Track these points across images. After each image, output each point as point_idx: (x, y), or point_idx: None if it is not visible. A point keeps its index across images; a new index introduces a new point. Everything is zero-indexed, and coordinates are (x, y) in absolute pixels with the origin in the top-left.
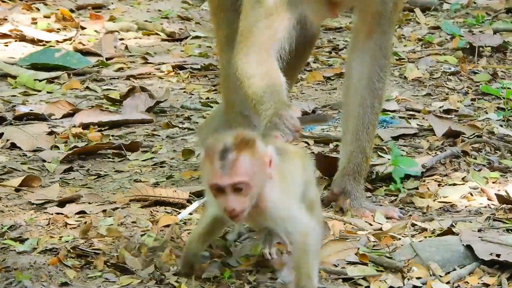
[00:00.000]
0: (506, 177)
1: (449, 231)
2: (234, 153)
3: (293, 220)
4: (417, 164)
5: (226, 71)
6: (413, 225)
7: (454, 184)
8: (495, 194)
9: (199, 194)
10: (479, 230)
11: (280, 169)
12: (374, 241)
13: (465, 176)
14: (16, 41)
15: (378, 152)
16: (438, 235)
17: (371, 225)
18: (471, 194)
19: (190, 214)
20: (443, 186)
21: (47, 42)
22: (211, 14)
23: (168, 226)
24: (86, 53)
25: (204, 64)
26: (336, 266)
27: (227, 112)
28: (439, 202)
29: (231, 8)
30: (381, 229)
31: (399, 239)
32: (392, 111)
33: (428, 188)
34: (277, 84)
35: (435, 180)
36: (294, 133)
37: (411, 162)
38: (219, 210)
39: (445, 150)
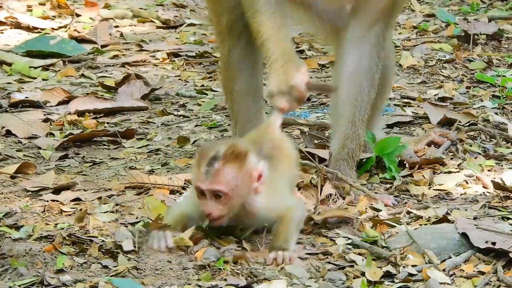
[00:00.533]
0: (501, 165)
1: (444, 219)
2: (221, 163)
3: (280, 210)
4: (400, 138)
5: (227, 60)
6: (408, 212)
7: (450, 172)
8: (491, 181)
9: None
10: (475, 218)
11: (269, 178)
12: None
13: (460, 164)
14: (11, 28)
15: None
16: (434, 223)
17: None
18: (467, 182)
19: None
20: (438, 174)
21: (42, 29)
22: (209, 1)
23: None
24: (81, 40)
25: (199, 51)
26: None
27: (226, 101)
28: (434, 190)
29: None
30: (377, 216)
31: (395, 226)
32: (387, 99)
33: (423, 175)
34: (288, 48)
35: (430, 168)
36: (299, 102)
37: (394, 139)
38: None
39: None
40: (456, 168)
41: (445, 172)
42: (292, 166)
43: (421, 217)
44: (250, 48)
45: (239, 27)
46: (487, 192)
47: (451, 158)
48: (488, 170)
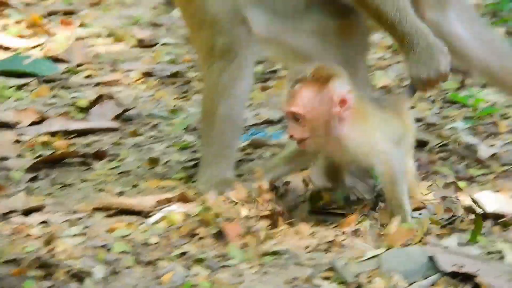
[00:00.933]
0: (472, 187)
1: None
2: (301, 85)
3: (375, 153)
4: None
5: (215, 82)
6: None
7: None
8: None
9: (164, 203)
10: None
11: (367, 113)
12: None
13: (431, 185)
14: None
15: None
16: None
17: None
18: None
19: (156, 223)
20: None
21: (17, 48)
22: (200, 23)
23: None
24: (56, 59)
25: (172, 71)
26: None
27: (204, 123)
28: None
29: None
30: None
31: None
32: None
33: None
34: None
35: None
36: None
37: None
38: None
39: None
40: (427, 189)
41: None
42: (404, 130)
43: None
44: (241, 73)
45: (235, 49)
46: (457, 214)
47: (422, 180)
48: (459, 192)
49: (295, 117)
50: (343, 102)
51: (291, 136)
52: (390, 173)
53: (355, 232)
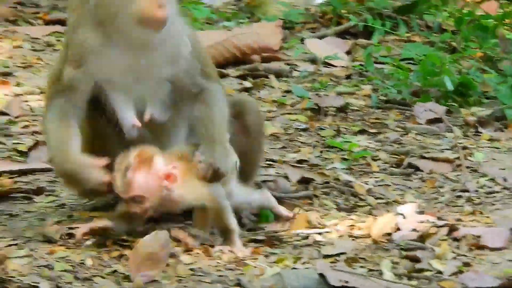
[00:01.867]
0: (352, 217)
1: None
2: (131, 172)
3: (204, 197)
4: None
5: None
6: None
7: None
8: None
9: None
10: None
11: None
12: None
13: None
14: None
15: None
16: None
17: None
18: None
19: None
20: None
21: None
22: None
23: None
24: None
25: None
26: None
27: None
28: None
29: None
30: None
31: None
32: None
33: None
34: None
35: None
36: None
37: None
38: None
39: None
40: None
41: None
42: None
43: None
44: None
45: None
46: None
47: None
48: (341, 221)
49: (135, 199)
50: (169, 176)
51: (134, 213)
52: (217, 207)
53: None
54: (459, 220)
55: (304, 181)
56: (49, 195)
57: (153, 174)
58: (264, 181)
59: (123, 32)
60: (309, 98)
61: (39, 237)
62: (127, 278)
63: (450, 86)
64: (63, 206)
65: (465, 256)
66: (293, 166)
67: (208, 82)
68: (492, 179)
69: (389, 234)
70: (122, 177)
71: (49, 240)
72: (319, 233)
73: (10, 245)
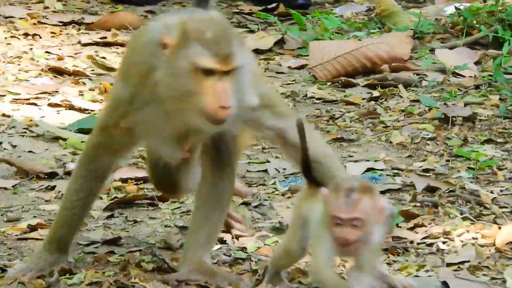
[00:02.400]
0: (476, 226)
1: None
2: (358, 194)
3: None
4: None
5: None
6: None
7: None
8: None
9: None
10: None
11: None
12: None
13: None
14: (66, 109)
15: None
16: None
17: None
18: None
19: None
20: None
21: (92, 110)
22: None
23: None
24: None
25: None
26: None
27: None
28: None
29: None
30: None
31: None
32: (380, 170)
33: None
34: None
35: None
36: None
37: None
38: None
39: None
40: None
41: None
42: None
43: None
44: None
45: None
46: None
47: (432, 220)
48: (467, 231)
49: (353, 224)
50: (381, 212)
51: (346, 240)
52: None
53: None
54: None
55: (430, 190)
56: (174, 201)
57: (375, 202)
58: (389, 190)
59: (182, 117)
60: (437, 108)
61: (162, 243)
62: None
63: None
64: (188, 213)
65: None
66: (419, 174)
67: (283, 121)
68: None
69: None
70: (345, 197)
71: (170, 247)
72: (443, 242)
73: (133, 252)
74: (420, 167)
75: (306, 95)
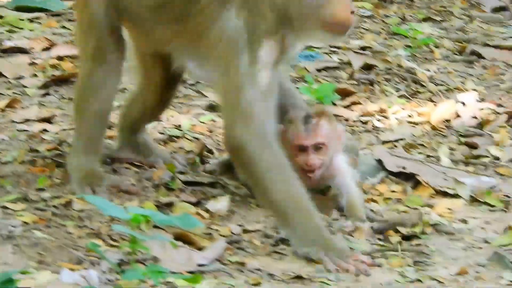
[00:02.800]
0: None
1: None
2: (316, 120)
3: (351, 190)
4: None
5: (85, 80)
6: None
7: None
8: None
9: None
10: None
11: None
12: None
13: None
14: None
15: (302, 82)
16: None
17: None
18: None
19: None
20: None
21: None
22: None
23: None
24: None
25: None
26: None
27: (75, 118)
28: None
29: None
30: None
31: None
32: (317, 48)
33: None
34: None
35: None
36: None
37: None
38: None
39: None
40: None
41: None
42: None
43: None
44: (108, 76)
45: (103, 54)
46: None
47: (368, 98)
48: (402, 109)
49: (317, 148)
50: (340, 134)
51: (311, 165)
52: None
53: None
54: None
55: (367, 67)
56: None
57: (334, 124)
58: (326, 68)
59: (303, 31)
60: None
61: None
62: None
63: None
64: (124, 91)
65: None
66: (356, 52)
67: None
68: None
69: (448, 121)
70: (303, 124)
71: None
72: (378, 120)
73: (67, 130)
74: (357, 45)
75: None
